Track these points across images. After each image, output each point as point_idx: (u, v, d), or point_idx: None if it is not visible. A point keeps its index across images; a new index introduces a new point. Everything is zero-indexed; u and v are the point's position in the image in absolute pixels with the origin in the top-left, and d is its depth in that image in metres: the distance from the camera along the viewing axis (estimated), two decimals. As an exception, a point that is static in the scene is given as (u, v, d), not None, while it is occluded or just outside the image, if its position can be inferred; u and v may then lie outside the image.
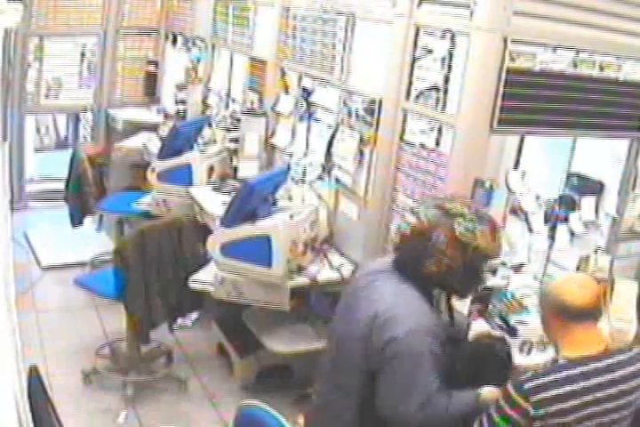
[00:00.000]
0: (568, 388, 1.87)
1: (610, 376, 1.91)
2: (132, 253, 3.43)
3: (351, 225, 3.48)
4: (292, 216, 3.36)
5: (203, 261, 3.52)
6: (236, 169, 4.33)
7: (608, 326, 2.96)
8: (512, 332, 2.77)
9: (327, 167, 3.64)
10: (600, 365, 1.92)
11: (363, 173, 3.32)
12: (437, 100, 2.82)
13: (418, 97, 2.94)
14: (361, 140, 3.30)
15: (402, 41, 2.97)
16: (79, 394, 3.68)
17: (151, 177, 4.39)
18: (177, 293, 3.58)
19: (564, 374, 1.90)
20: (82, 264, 5.00)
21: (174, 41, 6.03)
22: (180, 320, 4.08)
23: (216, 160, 4.50)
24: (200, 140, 4.76)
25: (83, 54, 6.08)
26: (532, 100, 2.78)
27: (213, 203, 4.01)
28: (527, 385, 1.89)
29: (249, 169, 4.22)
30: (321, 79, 3.74)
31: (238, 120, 4.39)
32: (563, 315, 1.97)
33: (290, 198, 3.84)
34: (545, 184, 3.33)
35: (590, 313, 1.97)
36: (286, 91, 4.16)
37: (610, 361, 1.93)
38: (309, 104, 3.93)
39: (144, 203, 4.39)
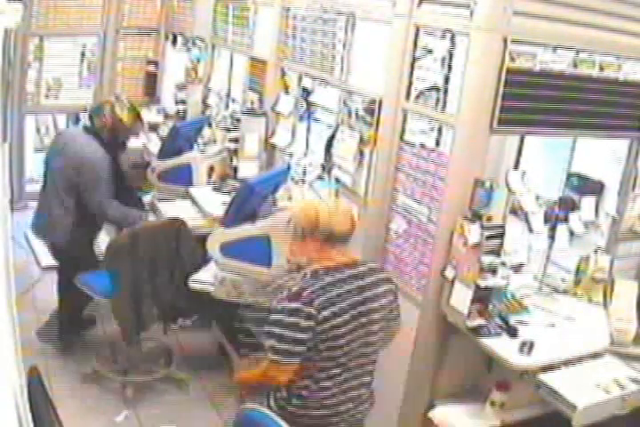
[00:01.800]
0: (335, 291, 2.19)
1: (359, 282, 2.26)
2: (122, 253, 3.42)
3: (351, 225, 3.48)
4: (292, 216, 3.35)
5: (201, 262, 3.52)
6: (236, 169, 4.33)
7: (608, 325, 2.97)
8: (512, 332, 2.77)
9: (327, 167, 3.64)
10: (352, 271, 2.28)
11: (363, 173, 3.32)
12: (437, 100, 2.82)
13: (418, 97, 2.94)
14: (361, 140, 3.31)
15: (402, 41, 2.97)
16: (79, 394, 3.68)
17: (151, 177, 4.39)
18: (172, 295, 3.57)
19: (327, 280, 2.21)
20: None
21: (174, 41, 6.03)
22: (180, 321, 4.09)
23: (216, 160, 4.50)
24: (200, 140, 4.77)
25: (83, 54, 6.08)
26: (532, 100, 2.77)
27: (213, 203, 4.01)
28: (305, 293, 2.16)
29: (249, 169, 4.22)
30: (321, 79, 3.74)
31: (238, 120, 4.39)
32: (327, 239, 2.26)
33: (290, 198, 3.84)
34: (545, 184, 3.34)
35: (347, 237, 2.32)
36: (286, 91, 4.16)
37: (359, 269, 2.31)
38: (309, 104, 3.93)
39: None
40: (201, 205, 4.07)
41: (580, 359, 2.76)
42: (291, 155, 4.10)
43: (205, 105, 5.32)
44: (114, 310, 3.52)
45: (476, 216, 2.71)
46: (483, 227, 2.66)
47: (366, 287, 2.29)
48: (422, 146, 2.93)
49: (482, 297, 2.70)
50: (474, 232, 2.67)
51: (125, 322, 3.52)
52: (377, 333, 2.34)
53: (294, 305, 2.15)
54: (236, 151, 4.33)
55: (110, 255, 3.45)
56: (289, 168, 3.88)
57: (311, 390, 2.28)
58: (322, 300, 2.16)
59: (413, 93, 2.96)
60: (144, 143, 5.43)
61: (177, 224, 3.66)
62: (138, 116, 3.91)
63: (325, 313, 2.17)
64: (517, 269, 3.18)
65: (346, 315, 2.21)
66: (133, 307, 3.48)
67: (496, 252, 2.70)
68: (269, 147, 4.31)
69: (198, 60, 5.43)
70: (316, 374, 2.26)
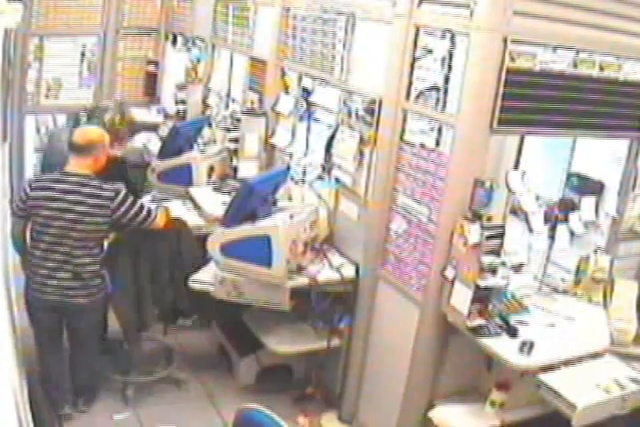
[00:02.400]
0: (54, 185, 3.14)
1: (78, 188, 3.13)
2: (124, 253, 3.43)
3: (351, 225, 3.48)
4: (291, 216, 3.36)
5: (202, 263, 3.51)
6: (235, 169, 4.33)
7: (608, 325, 2.97)
8: (512, 332, 2.77)
9: (327, 167, 3.64)
10: (77, 178, 3.15)
11: (363, 173, 3.32)
12: (437, 100, 2.82)
13: (418, 97, 2.94)
14: (361, 140, 3.30)
15: (402, 41, 2.97)
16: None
17: (151, 177, 4.39)
18: (173, 295, 3.56)
19: (55, 177, 3.19)
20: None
21: (174, 41, 6.03)
22: (180, 321, 4.09)
23: (216, 160, 4.50)
24: (200, 141, 4.76)
25: (83, 54, 6.07)
26: (532, 100, 2.78)
27: (213, 203, 4.01)
28: (33, 179, 3.38)
29: (249, 169, 4.22)
30: (321, 79, 3.74)
31: (238, 120, 4.39)
32: (70, 148, 3.22)
33: (290, 198, 3.84)
34: (545, 184, 3.33)
35: (80, 149, 3.18)
36: (286, 91, 4.16)
37: (85, 179, 3.15)
38: (309, 104, 3.93)
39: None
40: (201, 206, 4.07)
41: (580, 359, 2.76)
42: (291, 155, 4.10)
43: (205, 105, 5.31)
44: (115, 310, 3.52)
45: (476, 216, 2.71)
46: (483, 227, 2.66)
47: (81, 191, 3.12)
48: (422, 146, 2.93)
49: (482, 297, 2.70)
50: (474, 232, 2.67)
51: (127, 321, 3.53)
52: (79, 225, 3.12)
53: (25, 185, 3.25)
54: (235, 151, 4.33)
55: (112, 255, 3.45)
56: (289, 168, 3.87)
57: (32, 257, 3.19)
58: (38, 184, 3.18)
59: (413, 93, 2.96)
60: (144, 143, 5.43)
61: (178, 225, 3.65)
62: (131, 124, 4.24)
63: (34, 194, 3.15)
64: (517, 269, 3.19)
65: (53, 202, 3.11)
66: (135, 306, 3.48)
67: (496, 252, 2.70)
68: (269, 147, 4.31)
69: (198, 60, 5.42)
70: (32, 241, 3.20)
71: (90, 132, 3.31)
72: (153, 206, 3.42)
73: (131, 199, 3.20)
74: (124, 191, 3.20)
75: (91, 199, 3.12)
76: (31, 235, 3.19)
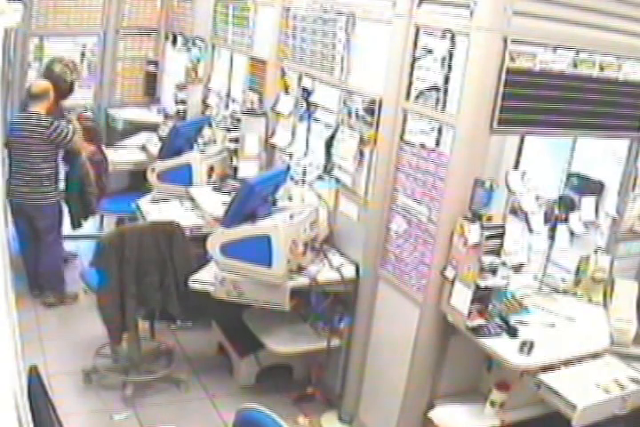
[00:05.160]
0: (18, 120, 4.52)
1: (34, 122, 4.38)
2: (110, 252, 3.42)
3: (351, 225, 3.48)
4: (292, 216, 3.36)
5: (196, 268, 3.49)
6: (235, 169, 4.33)
7: (608, 325, 2.97)
8: (512, 332, 2.77)
9: (327, 167, 3.64)
10: (31, 114, 4.42)
11: (363, 173, 3.32)
12: (437, 100, 2.82)
13: (418, 97, 2.94)
14: (361, 140, 3.31)
15: (402, 41, 2.97)
16: (79, 394, 3.68)
17: (151, 177, 4.39)
18: (161, 298, 3.55)
19: (20, 114, 4.56)
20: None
21: (174, 41, 6.03)
22: (179, 322, 4.10)
23: (216, 160, 4.50)
24: (200, 140, 4.77)
25: (83, 54, 6.09)
26: (532, 100, 2.78)
27: (213, 203, 4.01)
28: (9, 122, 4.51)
29: (249, 169, 4.23)
30: (321, 79, 3.74)
31: (238, 120, 4.39)
32: (29, 96, 4.48)
33: (290, 198, 3.84)
34: (545, 184, 3.33)
35: (36, 97, 4.43)
36: (286, 91, 4.16)
37: (35, 116, 4.41)
38: (309, 104, 3.93)
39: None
40: (201, 206, 4.07)
41: (580, 359, 2.76)
42: (291, 155, 4.10)
43: (205, 105, 5.32)
44: (99, 308, 3.53)
45: (475, 216, 2.71)
46: (483, 227, 2.66)
47: (36, 124, 4.36)
48: (422, 146, 2.93)
49: (482, 297, 2.70)
50: (474, 232, 2.67)
51: (109, 320, 3.53)
52: (38, 146, 4.37)
53: None
54: (236, 151, 4.33)
55: (98, 253, 3.45)
56: (289, 168, 3.87)
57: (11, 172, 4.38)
58: (13, 121, 4.47)
59: (413, 93, 2.96)
60: (144, 143, 5.44)
61: (170, 228, 3.61)
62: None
63: (10, 127, 4.37)
64: (517, 269, 3.18)
65: (17, 132, 4.34)
66: (117, 306, 3.47)
67: (496, 252, 2.70)
68: (269, 147, 4.31)
69: (198, 60, 5.43)
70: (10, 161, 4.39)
71: (42, 84, 4.54)
72: (70, 131, 4.51)
73: (61, 128, 4.40)
74: (57, 123, 4.41)
75: (43, 129, 4.36)
76: (9, 157, 4.37)
